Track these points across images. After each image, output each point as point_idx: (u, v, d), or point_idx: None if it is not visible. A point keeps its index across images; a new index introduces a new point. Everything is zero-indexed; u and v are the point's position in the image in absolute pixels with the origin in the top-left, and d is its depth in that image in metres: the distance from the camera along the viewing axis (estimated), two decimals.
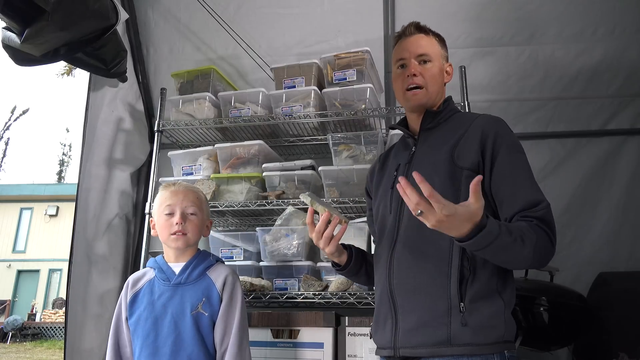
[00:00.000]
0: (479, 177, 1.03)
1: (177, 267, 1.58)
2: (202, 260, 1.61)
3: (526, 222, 1.17)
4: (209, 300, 1.53)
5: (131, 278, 1.63)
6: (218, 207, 2.19)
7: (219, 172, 2.31)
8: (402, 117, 1.55)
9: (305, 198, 1.36)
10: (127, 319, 1.57)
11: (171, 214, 1.58)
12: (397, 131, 1.66)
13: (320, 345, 1.86)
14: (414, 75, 1.37)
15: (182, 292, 1.53)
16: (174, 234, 1.56)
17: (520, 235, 1.12)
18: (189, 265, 1.58)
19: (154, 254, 1.83)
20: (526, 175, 1.25)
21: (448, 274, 1.21)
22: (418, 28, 1.43)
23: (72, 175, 28.39)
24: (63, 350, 2.15)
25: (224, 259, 1.83)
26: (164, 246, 1.62)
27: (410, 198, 1.04)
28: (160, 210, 1.60)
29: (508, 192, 1.23)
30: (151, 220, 1.67)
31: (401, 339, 1.24)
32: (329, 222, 1.33)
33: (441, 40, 1.47)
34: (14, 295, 17.70)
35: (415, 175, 1.03)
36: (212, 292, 1.54)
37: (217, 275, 1.58)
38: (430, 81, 1.38)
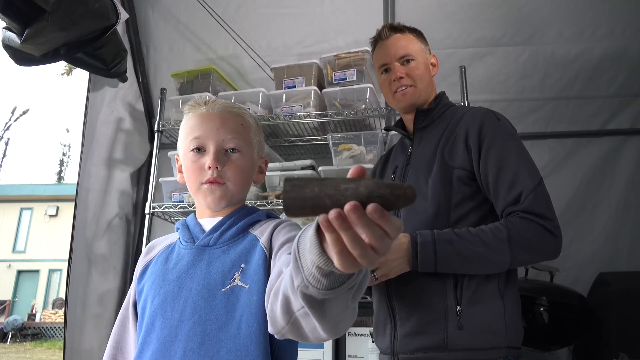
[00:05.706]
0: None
1: (209, 223, 1.06)
2: (245, 215, 1.06)
3: (512, 217, 1.17)
4: (250, 265, 0.97)
5: (149, 244, 1.16)
6: None
7: None
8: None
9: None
10: (134, 304, 1.07)
11: (201, 150, 1.05)
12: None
13: (320, 345, 1.86)
14: (400, 78, 1.38)
15: (210, 258, 1.00)
16: (206, 182, 1.03)
17: (479, 235, 1.14)
18: (225, 221, 1.04)
19: None
20: (510, 167, 1.21)
21: (443, 278, 1.20)
22: (393, 29, 1.43)
23: (72, 176, 28.50)
24: (62, 351, 2.14)
25: None
26: (196, 200, 1.10)
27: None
28: (186, 145, 1.07)
29: (492, 191, 1.22)
30: (177, 159, 1.16)
31: (399, 345, 1.23)
32: None
33: (419, 35, 1.45)
34: (14, 295, 17.72)
35: None
36: (254, 251, 0.98)
37: (265, 228, 1.03)
38: (418, 79, 1.39)
